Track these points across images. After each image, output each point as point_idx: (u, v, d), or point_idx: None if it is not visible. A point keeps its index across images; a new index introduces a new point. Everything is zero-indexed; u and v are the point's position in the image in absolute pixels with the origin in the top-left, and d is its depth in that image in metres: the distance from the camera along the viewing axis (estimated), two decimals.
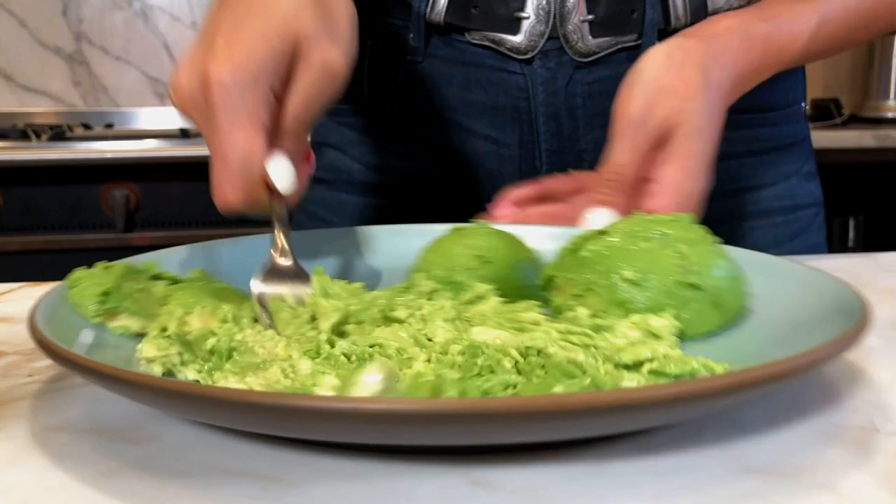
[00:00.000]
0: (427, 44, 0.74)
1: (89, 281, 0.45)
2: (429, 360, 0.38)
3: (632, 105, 0.57)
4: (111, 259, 0.49)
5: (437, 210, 0.79)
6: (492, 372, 0.36)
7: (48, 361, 0.46)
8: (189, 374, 0.39)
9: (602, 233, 0.48)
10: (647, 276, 0.46)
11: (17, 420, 0.38)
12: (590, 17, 0.70)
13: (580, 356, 0.37)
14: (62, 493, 0.31)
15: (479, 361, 0.37)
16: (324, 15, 0.48)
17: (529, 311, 0.45)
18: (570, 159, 0.74)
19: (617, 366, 0.38)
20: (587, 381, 0.34)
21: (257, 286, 0.47)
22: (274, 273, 0.48)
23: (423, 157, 0.79)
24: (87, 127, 2.23)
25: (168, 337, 0.41)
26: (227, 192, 0.45)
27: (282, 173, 0.47)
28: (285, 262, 0.49)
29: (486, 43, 0.72)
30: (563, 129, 0.73)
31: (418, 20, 0.73)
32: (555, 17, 0.70)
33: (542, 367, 0.37)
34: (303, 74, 0.47)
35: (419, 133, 0.78)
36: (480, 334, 0.41)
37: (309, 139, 0.52)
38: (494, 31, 0.71)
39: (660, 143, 0.57)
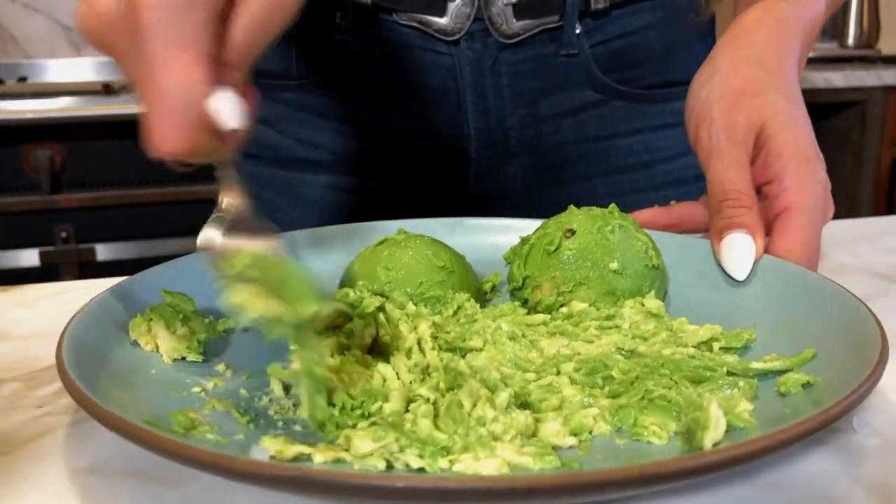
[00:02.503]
0: (355, 23, 0.74)
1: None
2: (573, 382, 0.40)
3: (709, 122, 0.56)
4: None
5: (370, 186, 0.81)
6: (631, 384, 0.39)
7: (53, 388, 0.46)
8: (411, 461, 0.33)
9: (570, 231, 0.51)
10: (626, 265, 0.50)
11: (43, 462, 0.38)
12: (513, 0, 0.71)
13: (666, 350, 0.42)
14: None
15: (611, 374, 0.40)
16: None
17: (534, 316, 0.50)
18: (497, 137, 0.77)
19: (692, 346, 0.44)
20: (696, 361, 0.41)
21: (211, 237, 0.41)
22: (230, 223, 0.42)
23: (354, 133, 0.80)
24: None
25: (378, 423, 0.35)
26: (166, 134, 0.38)
27: (230, 109, 0.39)
28: (240, 211, 0.42)
29: (414, 24, 0.73)
30: (490, 108, 0.75)
31: (345, 0, 0.73)
32: (479, 0, 0.71)
33: (646, 365, 0.40)
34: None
35: (349, 110, 0.80)
36: (551, 347, 0.44)
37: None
38: (421, 12, 0.72)
39: (756, 147, 0.55)
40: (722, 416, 0.33)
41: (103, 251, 1.92)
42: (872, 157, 2.40)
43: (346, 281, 0.53)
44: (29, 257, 1.89)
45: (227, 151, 0.41)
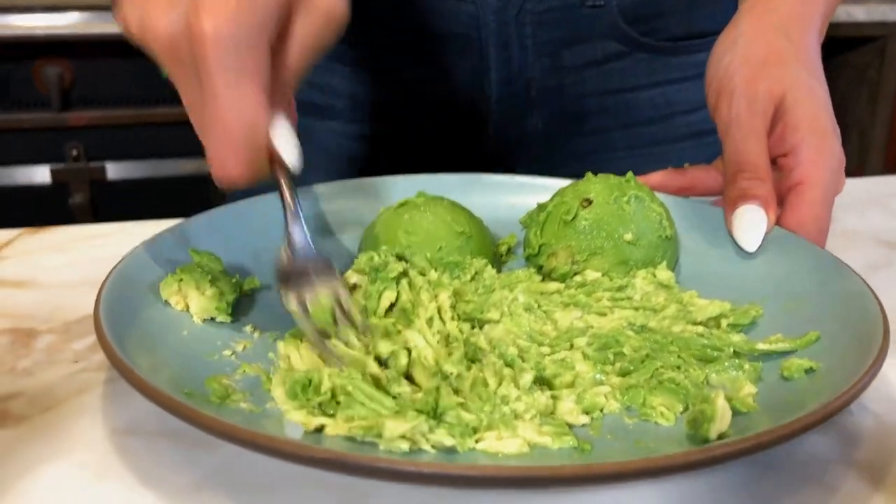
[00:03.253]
0: None
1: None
2: (585, 358, 0.42)
3: (730, 91, 0.57)
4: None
5: (386, 134, 0.81)
6: (642, 363, 0.42)
7: (87, 341, 0.48)
8: (444, 440, 0.35)
9: (587, 201, 0.52)
10: (640, 235, 0.51)
11: (83, 421, 0.41)
12: None
13: (676, 327, 0.45)
14: None
15: (622, 351, 0.43)
16: None
17: (548, 284, 0.52)
18: (518, 87, 0.77)
19: (696, 323, 0.46)
20: (703, 340, 0.43)
21: (291, 301, 0.44)
22: (297, 272, 0.45)
23: (371, 80, 0.80)
24: None
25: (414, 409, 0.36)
26: (230, 166, 0.40)
27: (288, 141, 0.42)
28: (305, 254, 0.45)
29: None
30: (513, 58, 0.75)
31: None
32: None
33: (655, 342, 0.43)
34: (304, 21, 0.41)
35: (367, 56, 0.79)
36: (565, 319, 0.46)
37: None
38: None
39: (775, 118, 0.56)
40: (728, 409, 0.35)
41: (114, 170, 1.93)
42: (889, 95, 2.37)
43: (367, 242, 0.54)
44: (41, 174, 1.90)
45: (284, 175, 0.44)
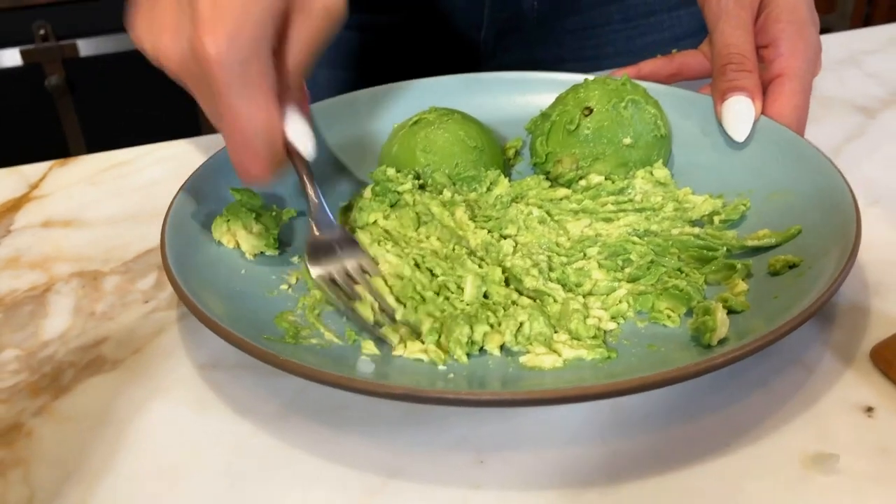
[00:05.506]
0: None
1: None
2: (599, 266, 0.48)
3: None
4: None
5: (382, 22, 0.82)
6: (648, 269, 0.48)
7: (150, 280, 0.54)
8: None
9: (588, 109, 0.57)
10: (637, 137, 0.56)
11: (170, 360, 0.47)
12: None
13: (675, 230, 0.51)
14: (256, 442, 0.41)
15: (630, 258, 0.48)
16: None
17: (557, 189, 0.57)
18: None
19: (692, 222, 0.53)
20: (700, 241, 0.49)
21: (317, 271, 0.48)
22: (323, 248, 0.50)
23: None
24: None
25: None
26: (253, 168, 0.44)
27: (303, 135, 0.46)
28: (329, 230, 0.50)
29: None
30: None
31: None
32: None
33: (658, 245, 0.49)
34: (302, 22, 0.43)
35: None
36: (576, 228, 0.52)
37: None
38: None
39: (759, 8, 0.59)
40: (726, 319, 0.41)
41: (86, 47, 1.90)
42: None
43: (385, 161, 0.59)
44: (10, 57, 1.87)
45: (303, 164, 0.49)
